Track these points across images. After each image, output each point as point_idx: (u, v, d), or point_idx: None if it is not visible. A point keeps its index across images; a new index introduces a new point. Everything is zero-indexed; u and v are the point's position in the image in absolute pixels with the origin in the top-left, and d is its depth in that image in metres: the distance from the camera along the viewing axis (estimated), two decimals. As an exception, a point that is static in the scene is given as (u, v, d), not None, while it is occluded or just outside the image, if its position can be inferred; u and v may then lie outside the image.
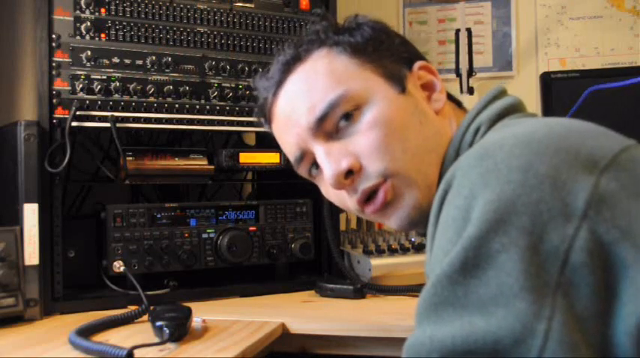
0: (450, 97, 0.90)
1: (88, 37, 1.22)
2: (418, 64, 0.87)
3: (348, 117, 0.80)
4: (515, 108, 0.81)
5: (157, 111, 1.28)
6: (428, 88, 0.87)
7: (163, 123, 1.29)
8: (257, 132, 1.50)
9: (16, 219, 1.14)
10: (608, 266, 0.54)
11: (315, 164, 0.86)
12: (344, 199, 0.85)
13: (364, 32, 0.85)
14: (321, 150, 0.81)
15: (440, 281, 0.57)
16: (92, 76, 1.22)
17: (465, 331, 0.54)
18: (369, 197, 0.81)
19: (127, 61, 1.25)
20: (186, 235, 1.32)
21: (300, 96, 0.83)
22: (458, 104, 0.91)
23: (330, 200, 0.89)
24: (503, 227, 0.55)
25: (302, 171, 0.89)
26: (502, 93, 0.84)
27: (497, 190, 0.57)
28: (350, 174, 0.80)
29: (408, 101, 0.83)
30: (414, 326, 0.61)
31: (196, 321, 1.07)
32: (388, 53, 0.85)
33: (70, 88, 1.20)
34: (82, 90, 1.21)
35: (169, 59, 1.29)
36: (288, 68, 0.85)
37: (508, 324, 0.53)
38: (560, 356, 0.51)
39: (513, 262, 0.54)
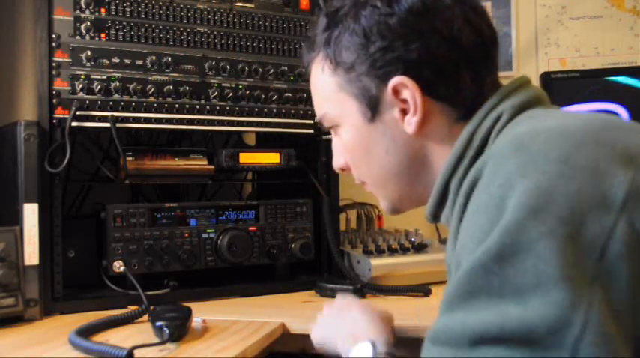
0: (457, 102, 0.80)
1: (88, 37, 1.22)
2: (392, 82, 0.79)
3: (333, 128, 0.91)
4: (539, 100, 0.80)
5: (157, 111, 1.28)
6: (406, 104, 0.80)
7: (163, 123, 1.29)
8: (257, 132, 1.50)
9: (16, 219, 1.14)
10: None
11: None
12: None
13: (345, 42, 0.82)
14: (332, 139, 0.94)
15: (474, 269, 0.57)
16: (92, 76, 1.22)
17: (500, 319, 0.54)
18: None
19: (127, 61, 1.25)
20: (186, 235, 1.32)
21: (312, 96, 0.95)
22: (467, 106, 0.80)
23: None
24: (542, 215, 0.55)
25: None
26: (528, 82, 0.82)
27: (534, 179, 0.57)
28: (345, 169, 0.93)
29: (375, 130, 0.83)
30: (439, 314, 0.60)
31: (196, 321, 1.07)
32: (365, 67, 0.81)
33: (70, 88, 1.20)
34: (82, 90, 1.21)
35: (169, 59, 1.29)
36: (308, 64, 0.92)
37: (544, 313, 0.52)
38: (597, 347, 0.51)
39: (551, 250, 0.54)
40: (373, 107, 0.82)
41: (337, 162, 0.93)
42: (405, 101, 0.80)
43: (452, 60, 0.79)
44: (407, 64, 0.79)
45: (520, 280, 0.54)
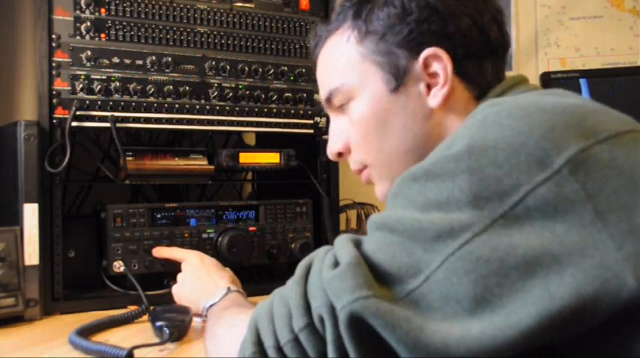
0: (477, 85, 0.84)
1: (88, 37, 1.22)
2: (426, 52, 0.81)
3: (343, 105, 0.90)
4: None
5: (157, 111, 1.28)
6: (433, 78, 0.83)
7: (163, 123, 1.29)
8: (257, 132, 1.50)
9: (16, 219, 1.14)
10: (567, 220, 0.57)
11: None
12: None
13: (379, 12, 0.84)
14: (331, 121, 0.94)
15: (406, 177, 0.65)
16: (92, 76, 1.22)
17: (400, 215, 0.63)
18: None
19: (127, 61, 1.25)
20: (186, 235, 1.32)
21: (319, 75, 0.94)
22: (484, 89, 0.84)
23: None
24: (476, 155, 0.61)
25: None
26: (527, 80, 0.86)
27: (489, 129, 0.62)
28: (341, 155, 0.93)
29: (397, 101, 0.84)
30: None
31: (196, 321, 1.07)
32: (398, 38, 0.82)
33: (70, 88, 1.20)
34: (82, 90, 1.21)
35: (169, 59, 1.29)
36: (323, 37, 0.93)
37: (439, 223, 0.60)
38: (467, 261, 0.57)
39: (471, 184, 0.60)
40: (399, 77, 0.83)
41: (335, 146, 0.92)
42: (432, 75, 0.82)
43: (480, 45, 0.83)
44: (442, 38, 0.81)
45: (433, 196, 0.62)
